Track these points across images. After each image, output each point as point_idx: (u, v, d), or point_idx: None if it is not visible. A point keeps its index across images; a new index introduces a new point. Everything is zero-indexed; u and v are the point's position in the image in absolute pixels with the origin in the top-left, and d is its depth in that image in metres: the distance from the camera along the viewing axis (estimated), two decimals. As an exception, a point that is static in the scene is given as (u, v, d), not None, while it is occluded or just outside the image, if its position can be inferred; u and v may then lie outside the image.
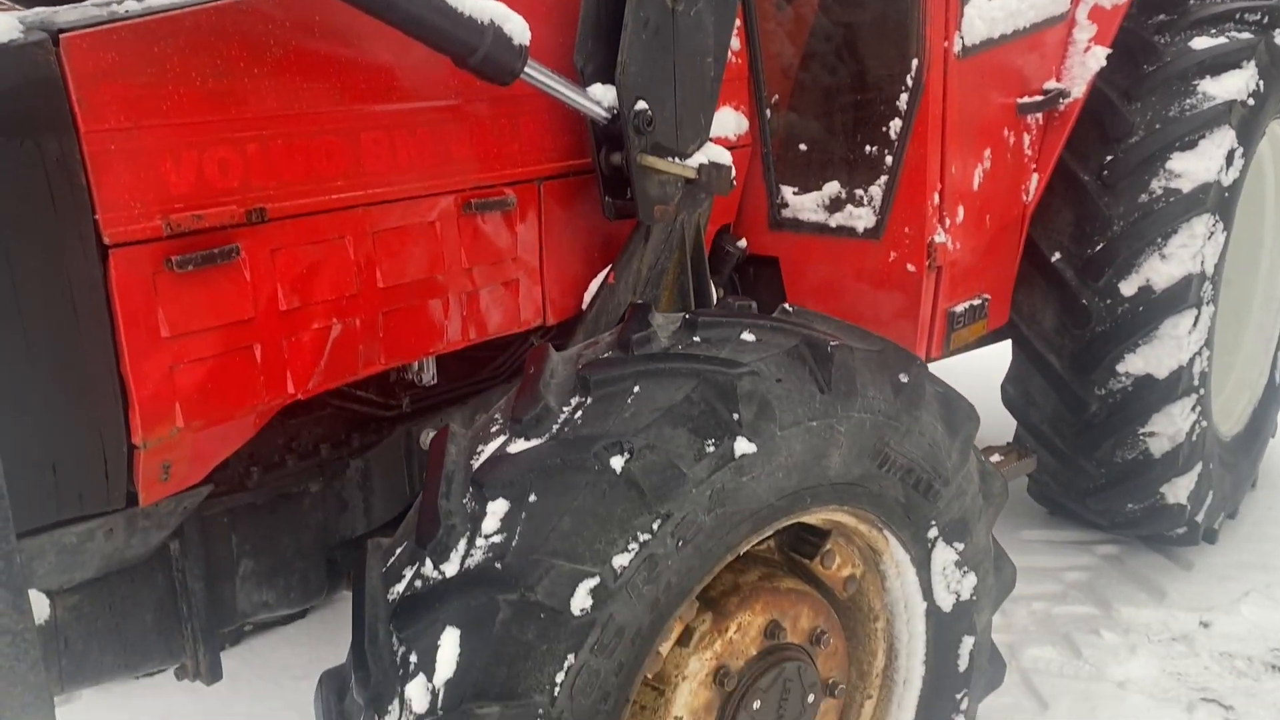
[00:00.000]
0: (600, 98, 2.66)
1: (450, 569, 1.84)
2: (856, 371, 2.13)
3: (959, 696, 2.59)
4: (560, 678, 1.78)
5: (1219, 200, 3.80)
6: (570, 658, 1.79)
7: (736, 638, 2.18)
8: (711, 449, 1.91)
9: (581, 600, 1.78)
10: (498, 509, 1.85)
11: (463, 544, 1.85)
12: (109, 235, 1.97)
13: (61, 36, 1.87)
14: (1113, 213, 3.83)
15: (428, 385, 2.83)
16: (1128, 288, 3.82)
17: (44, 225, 1.93)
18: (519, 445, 1.94)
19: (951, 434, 2.36)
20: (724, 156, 3.00)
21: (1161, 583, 4.30)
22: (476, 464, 1.94)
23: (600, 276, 2.95)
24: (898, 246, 3.32)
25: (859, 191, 3.39)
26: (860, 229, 3.38)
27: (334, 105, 2.33)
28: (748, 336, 2.09)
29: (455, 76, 2.55)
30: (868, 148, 3.36)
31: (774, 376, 2.02)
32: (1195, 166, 3.77)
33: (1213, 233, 3.80)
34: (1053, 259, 3.93)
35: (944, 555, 2.43)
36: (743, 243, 3.57)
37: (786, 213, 3.53)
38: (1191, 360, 3.83)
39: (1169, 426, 3.91)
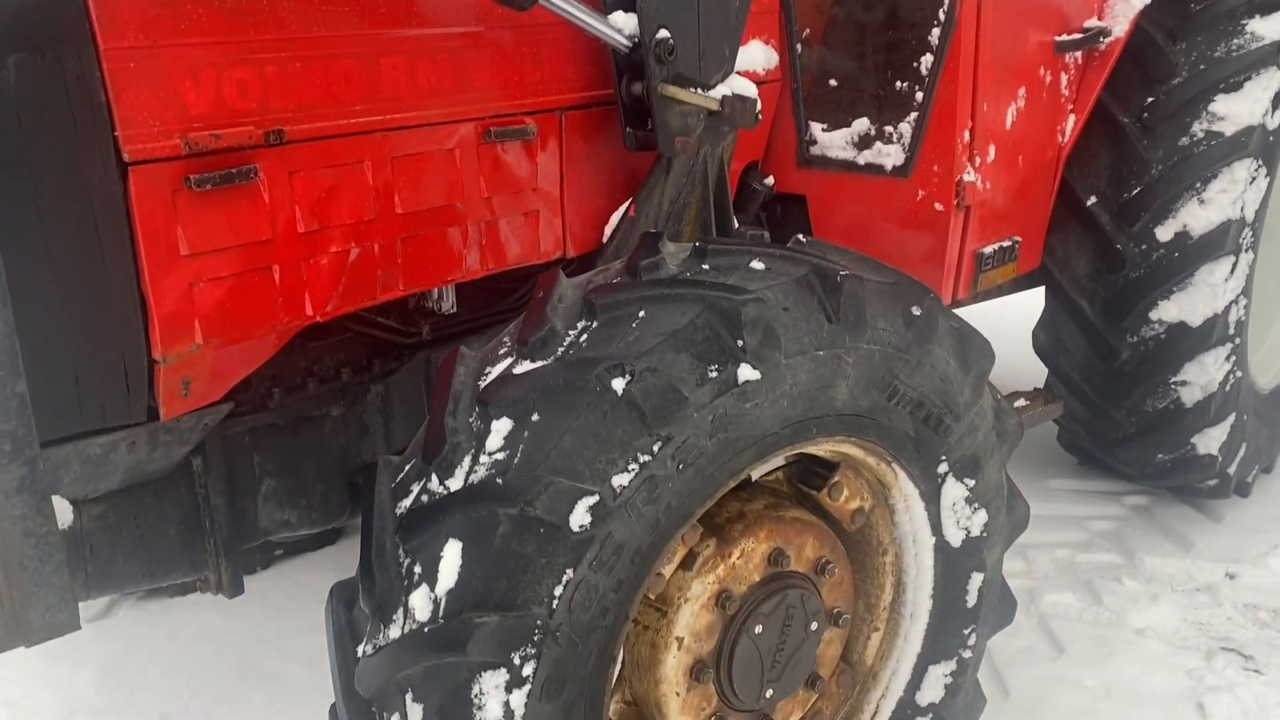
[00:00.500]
0: (621, 25, 2.64)
1: (454, 484, 1.87)
2: (866, 302, 2.12)
3: (966, 632, 2.60)
4: (558, 591, 1.82)
5: (1262, 144, 3.70)
6: (569, 572, 1.82)
7: (740, 563, 2.21)
8: (714, 374, 1.92)
9: (580, 517, 1.81)
10: (502, 427, 1.88)
11: (467, 460, 1.88)
12: (128, 152, 2.01)
13: (81, -47, 1.89)
14: (1151, 156, 3.75)
15: (447, 314, 2.86)
16: (1164, 233, 3.75)
17: (65, 142, 1.97)
18: (524, 366, 1.96)
19: (965, 369, 2.35)
20: (749, 89, 2.97)
21: (1189, 534, 4.26)
22: (483, 384, 1.97)
23: (621, 209, 2.96)
24: (926, 185, 3.28)
25: (888, 128, 3.34)
26: (889, 167, 3.34)
27: (354, 29, 2.35)
28: (757, 265, 2.09)
29: (477, 3, 2.55)
30: (898, 84, 3.31)
31: (781, 304, 2.02)
32: (1239, 109, 3.67)
33: (1254, 178, 3.71)
34: (1088, 203, 3.86)
35: (954, 491, 2.43)
36: (770, 180, 3.54)
37: (815, 150, 3.49)
38: (1227, 308, 3.76)
39: (1201, 376, 3.85)
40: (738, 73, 3.02)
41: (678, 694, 2.19)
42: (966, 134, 3.23)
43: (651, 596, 2.15)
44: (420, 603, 1.83)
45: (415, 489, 1.94)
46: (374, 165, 2.42)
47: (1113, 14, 3.73)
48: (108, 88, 1.96)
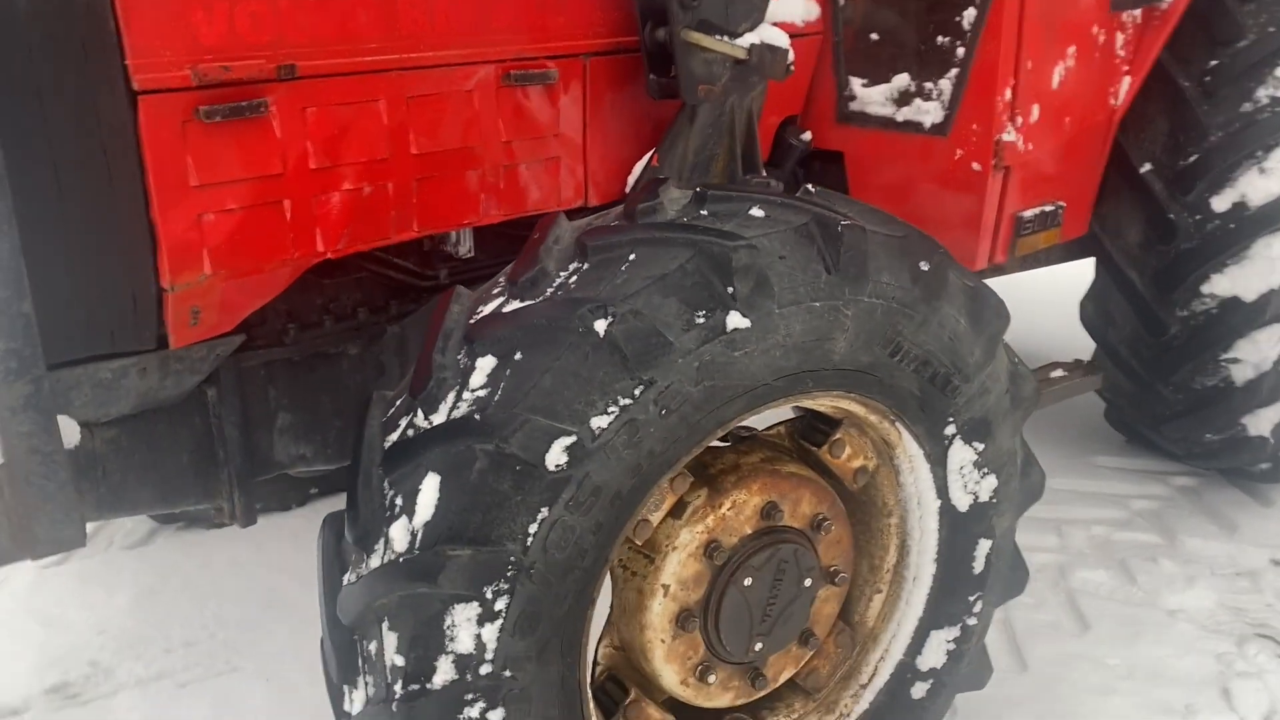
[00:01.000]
0: (644, -32, 2.60)
1: (437, 419, 1.89)
2: (869, 254, 2.07)
3: (971, 599, 2.55)
4: (533, 529, 1.82)
5: (1331, 113, 3.52)
6: (544, 511, 1.82)
7: (730, 515, 2.19)
8: (701, 320, 1.89)
9: (557, 456, 1.81)
10: (486, 364, 1.88)
11: (451, 396, 1.89)
12: (138, 81, 2.04)
13: (92, -122, 1.91)
14: (1211, 122, 3.59)
15: (464, 258, 2.87)
16: (1220, 203, 3.59)
17: (75, 69, 2.01)
18: (514, 306, 1.96)
19: (977, 330, 2.28)
20: (780, 39, 2.90)
21: (1235, 517, 4.12)
22: (473, 322, 1.97)
23: (645, 159, 2.93)
24: (964, 144, 3.19)
25: (928, 85, 3.25)
26: (927, 124, 3.25)
27: (371, -34, 2.35)
28: (756, 212, 2.05)
29: (497, -56, 2.53)
30: (940, 39, 3.21)
31: (777, 252, 1.98)
32: (1308, 74, 3.49)
33: (1321, 148, 3.53)
34: (1141, 169, 3.71)
35: (962, 454, 2.38)
36: (807, 135, 3.48)
37: (854, 106, 3.41)
38: (1285, 284, 3.60)
39: (1254, 354, 3.70)
40: (775, 23, 2.96)
41: (663, 641, 2.19)
42: (1008, 92, 3.12)
43: (639, 543, 2.15)
44: (399, 534, 1.85)
45: (403, 423, 1.96)
46: (389, 104, 2.43)
47: (1177, -28, 3.56)
48: (118, 16, 1.99)
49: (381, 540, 1.88)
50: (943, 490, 2.41)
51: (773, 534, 2.25)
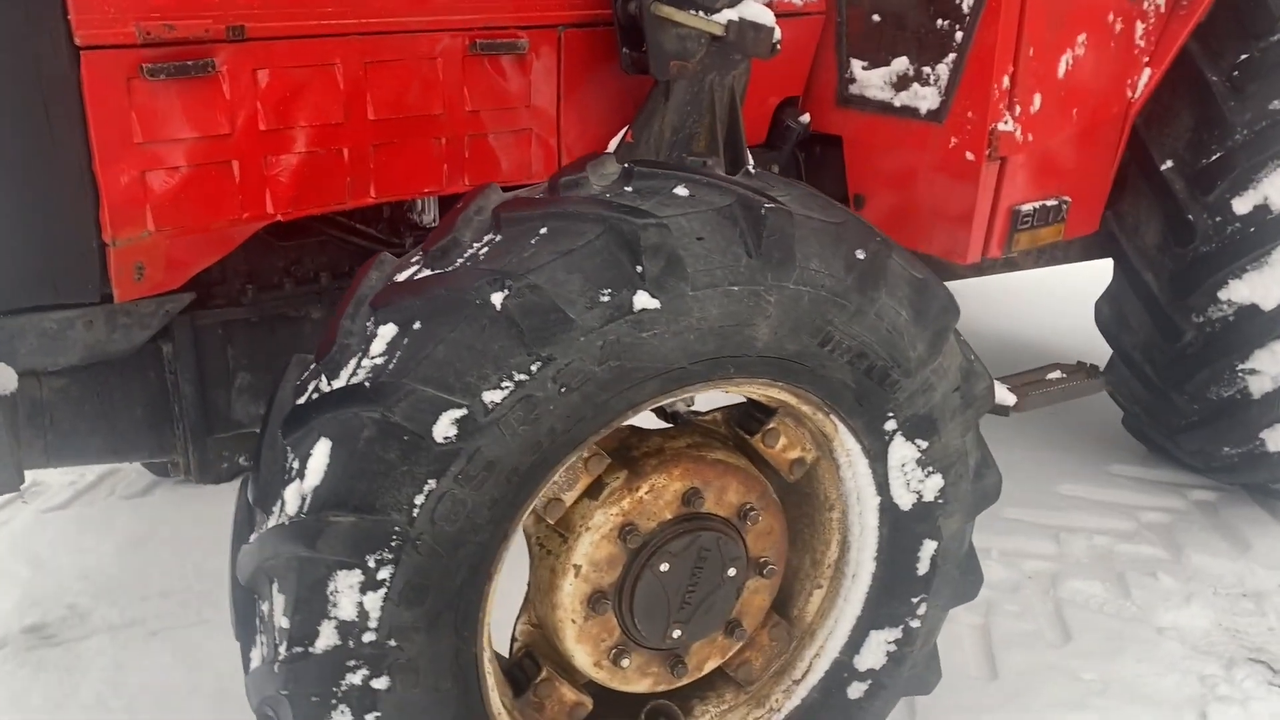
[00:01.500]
0: (613, -61, 2.55)
1: (337, 384, 1.88)
2: (796, 240, 2.00)
3: (915, 600, 2.47)
4: (420, 500, 1.81)
5: (1366, 113, 3.32)
6: (431, 483, 1.80)
7: (648, 499, 2.15)
8: (606, 299, 1.85)
9: (445, 429, 1.79)
10: (387, 333, 1.87)
11: (352, 363, 1.89)
12: (80, 37, 2.07)
13: None
14: (1237, 119, 3.40)
15: (429, 227, 2.86)
16: (1241, 205, 3.42)
17: (16, 24, 2.04)
18: (424, 274, 1.95)
19: (920, 323, 2.20)
20: (764, 16, 2.83)
21: (1250, 536, 3.94)
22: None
23: (619, 135, 2.88)
24: (959, 132, 3.08)
25: (926, 69, 3.14)
26: (924, 110, 3.15)
27: (328, -73, 2.34)
28: (680, 191, 2.00)
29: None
30: (939, 22, 3.10)
31: (694, 233, 1.92)
32: (1344, 71, 3.29)
33: (1353, 150, 3.33)
34: (1162, 167, 3.54)
35: (903, 451, 2.30)
36: (805, 118, 3.40)
37: (854, 89, 3.32)
38: (1308, 293, 3.42)
39: (1273, 365, 3.53)
40: (769, 0, 2.89)
41: (574, 621, 2.16)
42: (1006, 80, 3.00)
43: (551, 521, 2.13)
44: (292, 496, 1.86)
45: (310, 387, 1.97)
46: (345, 69, 2.43)
47: (1208, -42, 3.38)
48: (59, -29, 2.02)
49: (278, 502, 1.89)
50: (883, 487, 2.33)
51: (694, 520, 2.20)
